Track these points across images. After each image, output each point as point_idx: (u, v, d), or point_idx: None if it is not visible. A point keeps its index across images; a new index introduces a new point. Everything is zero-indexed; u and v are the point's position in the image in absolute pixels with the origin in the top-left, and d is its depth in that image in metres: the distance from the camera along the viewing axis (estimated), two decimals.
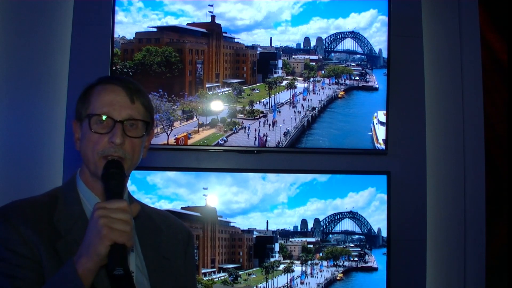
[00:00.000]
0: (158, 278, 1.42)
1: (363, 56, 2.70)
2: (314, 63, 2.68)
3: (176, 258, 1.51)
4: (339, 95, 2.69)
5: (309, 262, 2.61)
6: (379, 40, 2.68)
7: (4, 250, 1.26)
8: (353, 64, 2.70)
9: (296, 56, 2.66)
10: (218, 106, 2.61)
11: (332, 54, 2.69)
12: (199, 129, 2.59)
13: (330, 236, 2.64)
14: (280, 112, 2.65)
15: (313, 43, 2.67)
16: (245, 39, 2.63)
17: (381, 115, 2.67)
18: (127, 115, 1.36)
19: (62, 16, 2.63)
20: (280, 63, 2.65)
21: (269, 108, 2.64)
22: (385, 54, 2.67)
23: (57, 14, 2.64)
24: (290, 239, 2.60)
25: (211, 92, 2.61)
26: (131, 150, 1.37)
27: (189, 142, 2.58)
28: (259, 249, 2.59)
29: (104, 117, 1.34)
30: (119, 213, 1.18)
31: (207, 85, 2.61)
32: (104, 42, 2.56)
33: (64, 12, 2.63)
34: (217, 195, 2.59)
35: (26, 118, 2.59)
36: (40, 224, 1.30)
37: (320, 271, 2.61)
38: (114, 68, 2.52)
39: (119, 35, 2.55)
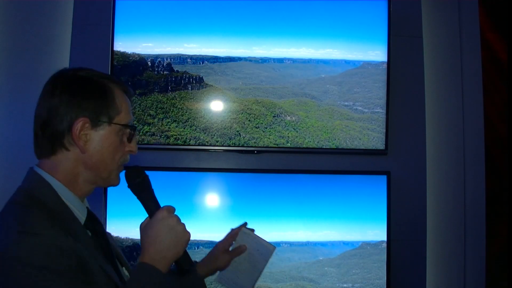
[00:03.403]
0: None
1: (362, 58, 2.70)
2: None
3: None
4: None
5: None
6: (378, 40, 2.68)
7: (50, 274, 1.12)
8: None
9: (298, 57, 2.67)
10: (219, 105, 2.61)
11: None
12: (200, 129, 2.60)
13: None
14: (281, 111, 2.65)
15: (313, 44, 2.67)
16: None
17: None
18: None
19: (62, 16, 2.64)
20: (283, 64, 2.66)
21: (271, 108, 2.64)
22: (385, 54, 2.67)
23: (57, 14, 2.64)
24: None
25: (213, 92, 2.62)
26: None
27: (189, 141, 2.58)
28: None
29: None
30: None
31: (209, 84, 2.61)
32: (104, 42, 2.57)
33: (64, 12, 2.63)
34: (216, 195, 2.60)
35: (26, 118, 2.57)
36: (63, 231, 1.22)
37: None
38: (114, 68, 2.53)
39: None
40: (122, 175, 1.38)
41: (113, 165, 1.33)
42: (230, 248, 1.70)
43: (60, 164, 1.30)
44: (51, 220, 1.20)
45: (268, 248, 1.64)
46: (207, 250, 2.60)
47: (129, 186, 1.36)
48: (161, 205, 1.37)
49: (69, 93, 1.30)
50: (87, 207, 1.36)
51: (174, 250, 1.29)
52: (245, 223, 1.74)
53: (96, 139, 1.30)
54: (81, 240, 1.23)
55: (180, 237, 1.29)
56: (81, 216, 1.32)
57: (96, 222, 1.38)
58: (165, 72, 2.59)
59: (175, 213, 1.33)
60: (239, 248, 1.67)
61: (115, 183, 1.37)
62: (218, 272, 1.71)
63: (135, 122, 2.54)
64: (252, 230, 1.72)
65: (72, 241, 1.18)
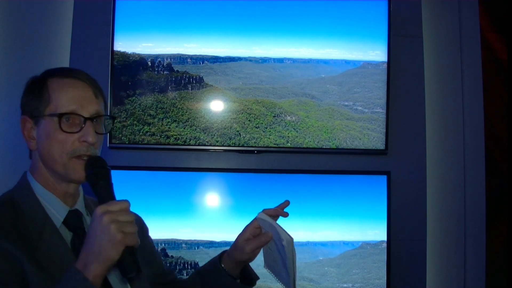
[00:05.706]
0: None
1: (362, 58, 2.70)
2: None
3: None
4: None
5: None
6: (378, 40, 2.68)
7: None
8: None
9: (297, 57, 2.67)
10: (219, 105, 2.61)
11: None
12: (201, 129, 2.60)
13: None
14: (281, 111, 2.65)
15: (313, 44, 2.67)
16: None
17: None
18: (94, 111, 1.32)
19: (62, 16, 2.64)
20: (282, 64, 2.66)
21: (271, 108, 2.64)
22: (385, 54, 2.67)
23: (57, 14, 2.64)
24: None
25: (213, 92, 2.61)
26: (99, 148, 1.34)
27: (189, 141, 2.58)
28: None
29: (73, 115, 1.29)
30: (124, 215, 1.14)
31: (209, 84, 2.61)
32: (104, 42, 2.56)
33: (64, 12, 2.63)
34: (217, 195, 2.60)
35: None
36: (12, 233, 1.21)
37: None
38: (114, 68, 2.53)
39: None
40: None
41: (62, 158, 1.28)
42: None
43: (34, 165, 1.35)
44: (14, 223, 1.22)
45: (285, 238, 1.40)
46: (207, 250, 2.63)
47: (89, 175, 1.26)
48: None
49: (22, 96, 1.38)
50: (75, 209, 1.34)
51: (105, 255, 1.10)
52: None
53: (39, 135, 1.31)
54: (46, 244, 1.22)
55: (112, 239, 1.10)
56: (59, 217, 1.30)
57: (80, 223, 1.35)
58: (165, 72, 2.59)
59: (130, 210, 1.17)
60: (262, 236, 1.49)
61: (76, 177, 1.29)
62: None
63: (135, 122, 2.54)
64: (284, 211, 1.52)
65: (15, 249, 1.17)
